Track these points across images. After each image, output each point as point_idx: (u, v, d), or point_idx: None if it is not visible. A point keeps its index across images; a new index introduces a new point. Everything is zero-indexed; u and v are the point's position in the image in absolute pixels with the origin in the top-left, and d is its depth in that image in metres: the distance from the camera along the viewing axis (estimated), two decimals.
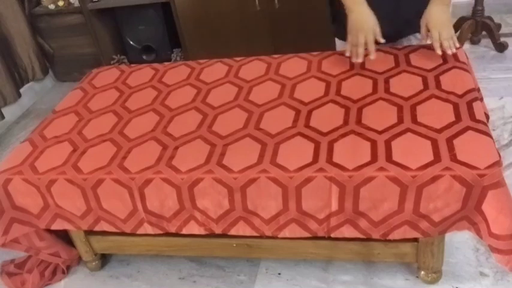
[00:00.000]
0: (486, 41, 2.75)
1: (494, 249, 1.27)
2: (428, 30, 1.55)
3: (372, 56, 1.54)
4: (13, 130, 2.79)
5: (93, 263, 1.72)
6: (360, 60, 1.57)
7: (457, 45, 1.56)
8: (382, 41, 1.54)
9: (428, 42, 1.59)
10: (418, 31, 1.64)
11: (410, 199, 1.25)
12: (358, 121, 1.39)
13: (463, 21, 2.77)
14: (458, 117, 1.34)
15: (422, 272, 1.47)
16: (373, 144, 1.30)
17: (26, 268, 1.68)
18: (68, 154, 1.49)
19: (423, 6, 1.58)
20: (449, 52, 1.54)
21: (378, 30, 1.54)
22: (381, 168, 1.23)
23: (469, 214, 1.26)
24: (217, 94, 1.66)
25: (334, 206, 1.30)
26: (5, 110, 2.75)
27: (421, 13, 1.58)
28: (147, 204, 1.41)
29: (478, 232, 1.29)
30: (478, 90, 1.60)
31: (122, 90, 1.79)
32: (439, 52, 1.54)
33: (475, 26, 2.73)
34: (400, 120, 1.36)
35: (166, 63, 1.93)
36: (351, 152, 1.29)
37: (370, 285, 1.52)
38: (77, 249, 1.68)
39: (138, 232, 1.48)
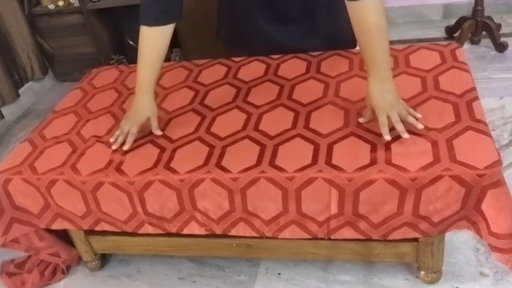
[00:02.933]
0: (486, 41, 2.75)
1: (494, 248, 1.27)
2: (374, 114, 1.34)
3: (125, 147, 1.43)
4: (13, 130, 2.79)
5: (93, 263, 1.72)
6: (114, 147, 1.44)
7: (418, 116, 1.32)
8: (157, 131, 1.47)
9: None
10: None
11: (409, 201, 1.25)
12: (358, 123, 1.38)
13: (463, 21, 2.77)
14: (458, 117, 1.34)
15: (422, 272, 1.47)
16: (373, 146, 1.30)
17: (26, 268, 1.68)
18: (67, 155, 1.48)
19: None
20: (419, 127, 1.29)
21: (154, 123, 1.46)
22: (380, 171, 1.23)
23: (468, 214, 1.26)
24: (216, 95, 1.65)
25: (334, 209, 1.30)
26: (4, 110, 2.75)
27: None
28: (147, 207, 1.41)
29: (477, 231, 1.28)
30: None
31: (121, 91, 1.78)
32: (388, 138, 1.27)
33: (475, 26, 2.73)
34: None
35: (164, 65, 1.90)
36: (351, 154, 1.29)
37: (370, 285, 1.52)
38: (77, 249, 1.68)
39: (140, 232, 1.48)
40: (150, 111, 1.46)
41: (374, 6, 1.24)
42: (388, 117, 1.28)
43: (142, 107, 1.46)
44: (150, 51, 1.44)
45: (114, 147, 1.45)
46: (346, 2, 1.27)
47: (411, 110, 1.33)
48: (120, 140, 1.45)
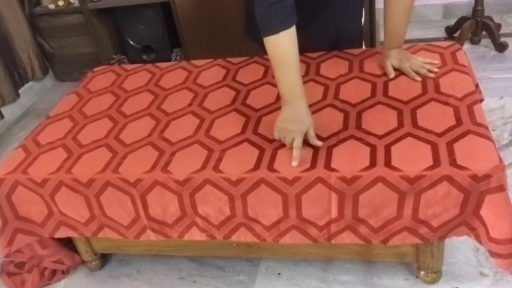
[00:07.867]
0: (486, 41, 2.75)
1: (494, 254, 1.26)
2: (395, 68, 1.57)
3: (295, 163, 1.27)
4: (13, 130, 2.79)
5: (93, 263, 1.72)
6: (294, 164, 1.28)
7: (436, 62, 1.58)
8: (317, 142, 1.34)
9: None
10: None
11: (408, 205, 1.24)
12: (358, 126, 1.37)
13: (463, 21, 2.77)
14: (459, 121, 1.32)
15: (422, 272, 1.47)
16: (373, 149, 1.29)
17: (26, 268, 1.68)
18: (62, 161, 1.46)
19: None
20: (435, 70, 1.54)
21: (312, 131, 1.33)
22: (380, 175, 1.22)
23: (467, 219, 1.25)
24: (215, 98, 1.64)
25: (334, 213, 1.29)
26: (4, 110, 2.75)
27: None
28: (150, 211, 1.41)
29: (477, 238, 1.28)
30: (477, 86, 1.58)
31: (118, 94, 1.77)
32: (419, 78, 1.52)
33: (475, 26, 2.73)
34: (401, 125, 1.34)
35: (163, 66, 1.91)
36: (350, 158, 1.28)
37: (370, 285, 1.52)
38: (80, 255, 1.69)
39: (141, 239, 1.48)
40: (310, 118, 1.31)
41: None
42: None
43: (306, 113, 1.31)
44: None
45: (294, 163, 1.26)
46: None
47: (427, 62, 1.57)
48: (297, 155, 1.27)
